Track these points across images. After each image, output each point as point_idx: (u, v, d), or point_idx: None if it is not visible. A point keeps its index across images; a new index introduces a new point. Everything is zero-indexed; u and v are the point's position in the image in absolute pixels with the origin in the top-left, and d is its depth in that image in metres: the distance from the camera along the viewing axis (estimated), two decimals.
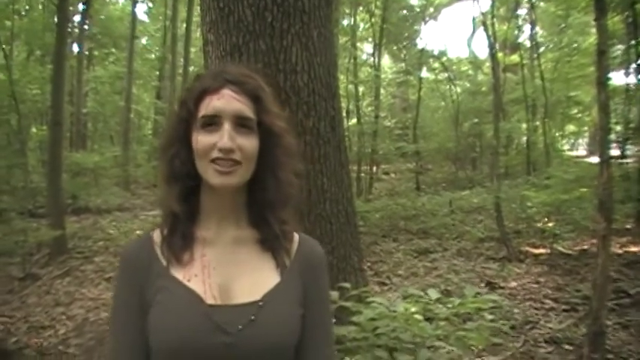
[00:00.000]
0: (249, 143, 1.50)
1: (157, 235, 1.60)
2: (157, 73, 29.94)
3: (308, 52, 4.67)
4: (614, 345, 6.31)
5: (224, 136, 1.45)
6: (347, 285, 3.93)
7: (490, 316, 4.40)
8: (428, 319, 3.89)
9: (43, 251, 12.39)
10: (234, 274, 1.55)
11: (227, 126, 1.47)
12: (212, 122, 1.47)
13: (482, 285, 8.80)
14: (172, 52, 25.38)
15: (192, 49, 25.42)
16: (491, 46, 14.07)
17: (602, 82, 6.08)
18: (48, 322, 8.26)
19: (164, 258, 1.55)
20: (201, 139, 1.47)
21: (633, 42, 15.47)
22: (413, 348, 3.66)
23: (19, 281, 10.56)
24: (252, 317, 1.47)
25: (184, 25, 25.16)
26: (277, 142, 1.58)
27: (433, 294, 4.01)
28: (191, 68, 23.80)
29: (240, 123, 1.49)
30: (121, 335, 1.54)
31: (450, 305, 3.92)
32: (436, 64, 25.62)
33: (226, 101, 1.48)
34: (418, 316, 3.82)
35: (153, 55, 32.54)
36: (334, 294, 3.72)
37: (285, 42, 4.57)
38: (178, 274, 1.52)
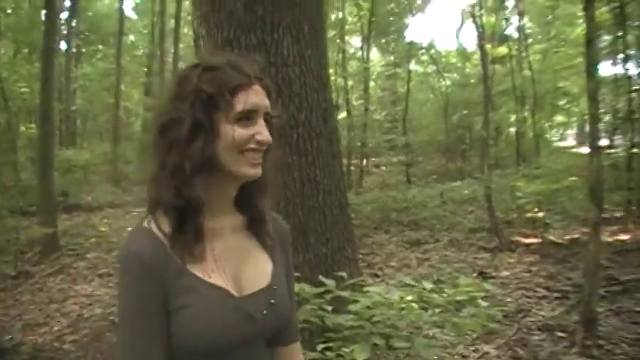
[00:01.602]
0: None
1: (157, 231, 1.52)
2: (145, 69, 29.85)
3: (299, 45, 4.70)
4: (605, 331, 6.36)
5: (264, 131, 1.52)
6: (343, 274, 3.97)
7: (485, 303, 4.44)
8: (423, 309, 3.93)
9: (35, 249, 12.35)
10: (238, 263, 1.61)
11: (261, 121, 1.53)
12: (249, 117, 1.51)
13: (475, 275, 8.85)
14: (161, 49, 25.33)
15: (181, 45, 25.33)
16: (480, 38, 14.12)
17: (590, 71, 6.15)
18: (42, 319, 8.25)
19: (177, 256, 1.50)
20: (239, 132, 1.49)
21: (620, 32, 15.60)
22: (409, 335, 3.70)
23: (12, 279, 10.53)
24: (273, 301, 1.60)
25: (173, 21, 25.09)
26: (274, 134, 1.62)
27: (427, 284, 4.05)
28: (180, 64, 23.70)
29: (265, 118, 1.55)
30: (145, 346, 1.46)
31: (444, 294, 3.96)
32: (424, 57, 25.69)
33: (260, 98, 1.53)
34: (414, 304, 3.86)
35: (141, 52, 32.45)
36: (330, 282, 3.76)
37: (276, 35, 4.60)
38: (197, 271, 1.51)
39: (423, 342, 3.59)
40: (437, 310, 3.87)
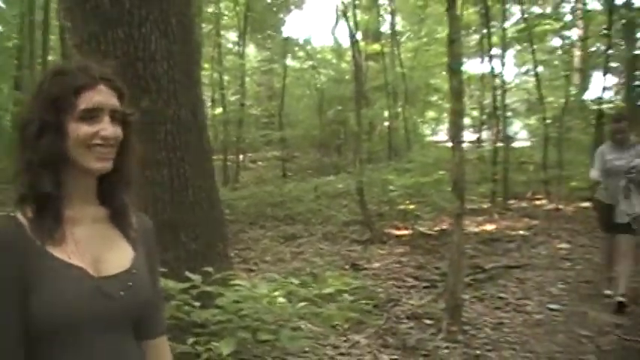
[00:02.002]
0: (119, 132, 1.65)
1: (21, 218, 1.62)
2: (16, 62, 28.57)
3: (167, 40, 4.67)
4: (470, 317, 6.67)
5: (109, 127, 1.62)
6: (209, 269, 3.97)
7: (350, 297, 4.58)
8: (290, 302, 4.00)
9: None
10: (99, 248, 1.68)
11: (107, 118, 1.62)
12: (93, 115, 1.60)
13: (347, 267, 9.01)
14: (30, 41, 24.35)
15: (52, 37, 24.37)
16: (352, 35, 14.34)
17: (453, 69, 6.37)
18: None
19: (37, 238, 1.58)
20: (84, 129, 1.59)
21: (486, 32, 16.33)
22: (276, 328, 3.76)
23: None
24: (130, 284, 1.66)
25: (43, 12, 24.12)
26: (131, 132, 1.73)
27: (294, 279, 4.15)
28: (50, 57, 22.83)
29: (113, 116, 1.64)
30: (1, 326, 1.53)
31: (311, 287, 4.05)
32: (301, 53, 25.83)
33: (105, 97, 1.63)
34: (281, 298, 3.93)
35: (11, 44, 31.04)
36: (197, 278, 3.77)
37: (143, 29, 4.55)
38: (57, 252, 1.58)
39: (288, 334, 3.65)
40: (302, 304, 3.95)
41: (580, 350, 5.80)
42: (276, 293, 3.95)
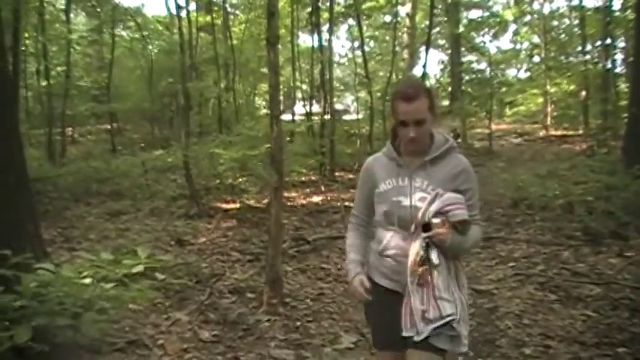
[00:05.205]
0: None
1: None
2: None
3: None
4: (292, 289, 6.80)
5: None
6: (7, 252, 3.79)
7: (162, 276, 4.50)
8: (100, 282, 3.91)
9: None
10: None
11: None
12: None
13: (173, 243, 8.90)
14: None
15: None
16: (178, 6, 14.08)
17: (272, 42, 6.36)
18: None
19: None
20: None
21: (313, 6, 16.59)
22: (81, 311, 3.66)
23: None
24: None
25: None
26: None
27: (106, 256, 4.05)
28: None
29: None
30: None
31: (121, 268, 3.98)
32: (132, 22, 25.06)
33: None
34: (87, 280, 3.82)
35: None
36: None
37: None
38: None
39: (90, 317, 3.56)
40: (110, 285, 3.86)
41: None
42: (85, 274, 3.86)
